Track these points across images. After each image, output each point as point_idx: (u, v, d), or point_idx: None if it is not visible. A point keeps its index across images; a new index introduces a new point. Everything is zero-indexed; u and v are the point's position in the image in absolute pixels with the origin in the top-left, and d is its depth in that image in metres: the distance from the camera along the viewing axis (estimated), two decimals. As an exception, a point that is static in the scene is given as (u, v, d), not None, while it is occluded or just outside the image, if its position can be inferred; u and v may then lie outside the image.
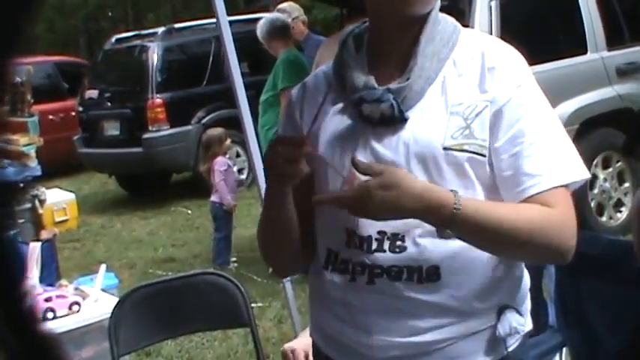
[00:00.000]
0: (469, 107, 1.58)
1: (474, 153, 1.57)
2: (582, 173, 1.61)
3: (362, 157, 1.62)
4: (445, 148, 1.57)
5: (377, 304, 1.62)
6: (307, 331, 2.45)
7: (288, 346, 2.46)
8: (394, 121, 1.61)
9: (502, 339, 1.64)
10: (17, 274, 0.75)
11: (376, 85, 1.64)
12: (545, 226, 1.54)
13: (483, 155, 1.58)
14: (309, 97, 1.80)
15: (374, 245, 1.61)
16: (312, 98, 1.78)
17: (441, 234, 1.52)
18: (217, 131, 7.00)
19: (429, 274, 1.59)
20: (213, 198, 6.73)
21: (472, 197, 1.56)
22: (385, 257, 1.61)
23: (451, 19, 1.71)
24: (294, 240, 1.74)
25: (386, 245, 1.61)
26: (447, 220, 1.48)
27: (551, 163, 1.56)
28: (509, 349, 1.66)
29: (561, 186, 1.56)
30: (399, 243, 1.60)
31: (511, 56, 1.65)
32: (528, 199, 1.55)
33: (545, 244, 1.56)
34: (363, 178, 1.50)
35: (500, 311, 1.64)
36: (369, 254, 1.62)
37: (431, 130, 1.59)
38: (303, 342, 2.43)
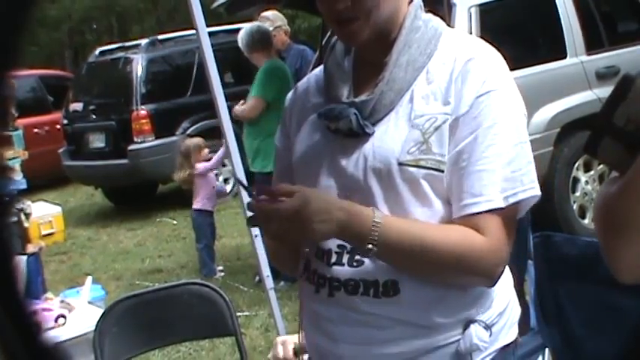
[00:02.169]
0: (429, 120, 1.55)
1: (431, 169, 1.54)
2: (531, 191, 1.55)
3: (325, 169, 1.65)
4: (400, 164, 1.55)
5: (339, 314, 1.61)
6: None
7: (280, 338, 2.49)
8: (359, 134, 1.60)
9: (467, 354, 1.61)
10: (19, 282, 0.76)
11: (344, 98, 1.64)
12: (467, 255, 1.52)
13: (441, 171, 1.55)
14: (298, 102, 1.81)
15: (333, 258, 1.62)
16: (301, 103, 1.79)
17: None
18: (195, 140, 7.04)
19: (386, 288, 1.57)
20: (196, 206, 6.73)
21: (393, 218, 1.54)
22: (343, 271, 1.60)
23: (434, 23, 1.67)
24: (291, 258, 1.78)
25: (345, 259, 1.61)
26: (366, 238, 1.48)
27: (496, 184, 1.52)
28: None
29: (501, 209, 1.52)
30: (357, 257, 1.59)
31: (481, 62, 1.58)
32: (464, 217, 1.53)
33: (464, 271, 1.55)
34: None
35: (466, 326, 1.61)
36: (328, 267, 1.62)
37: (390, 143, 1.57)
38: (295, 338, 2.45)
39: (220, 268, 6.74)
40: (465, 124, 1.53)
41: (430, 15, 1.69)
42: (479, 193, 1.52)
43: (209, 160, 6.75)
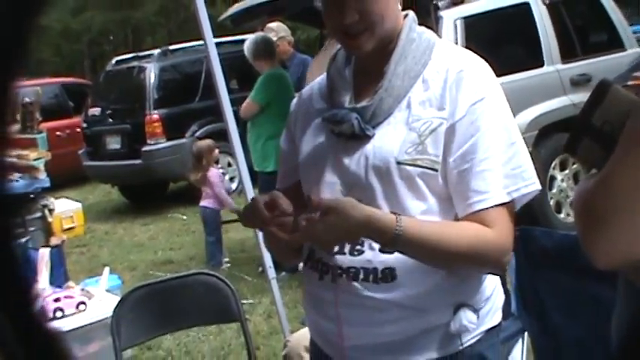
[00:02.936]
0: (425, 124, 1.57)
1: (426, 168, 1.56)
2: (532, 186, 1.59)
3: (329, 167, 1.66)
4: (399, 163, 1.57)
5: (341, 299, 1.63)
6: None
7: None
8: (360, 136, 1.62)
9: (456, 335, 1.62)
10: (27, 278, 0.74)
11: (346, 104, 1.65)
12: (480, 248, 1.54)
13: (435, 170, 1.56)
14: (302, 107, 1.82)
15: (336, 248, 1.62)
16: (305, 108, 1.80)
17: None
18: (206, 142, 6.96)
19: (384, 275, 1.59)
20: (203, 203, 6.69)
21: (414, 219, 1.55)
22: (345, 259, 1.62)
23: (427, 35, 1.68)
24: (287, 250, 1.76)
25: (346, 248, 1.62)
26: (389, 243, 1.50)
27: (498, 181, 1.55)
28: (465, 345, 1.64)
29: (505, 203, 1.55)
30: (358, 247, 1.61)
31: (473, 72, 1.60)
32: (472, 214, 1.55)
33: (478, 262, 1.58)
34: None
35: (456, 309, 1.62)
36: (331, 256, 1.64)
37: (389, 144, 1.59)
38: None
39: (226, 259, 6.73)
40: (463, 129, 1.55)
41: (423, 27, 1.71)
42: (484, 190, 1.54)
43: (218, 161, 6.71)
